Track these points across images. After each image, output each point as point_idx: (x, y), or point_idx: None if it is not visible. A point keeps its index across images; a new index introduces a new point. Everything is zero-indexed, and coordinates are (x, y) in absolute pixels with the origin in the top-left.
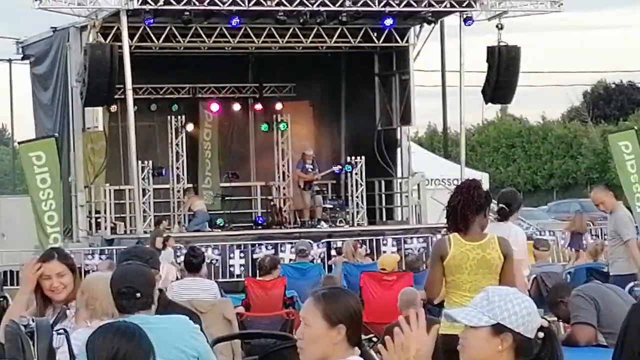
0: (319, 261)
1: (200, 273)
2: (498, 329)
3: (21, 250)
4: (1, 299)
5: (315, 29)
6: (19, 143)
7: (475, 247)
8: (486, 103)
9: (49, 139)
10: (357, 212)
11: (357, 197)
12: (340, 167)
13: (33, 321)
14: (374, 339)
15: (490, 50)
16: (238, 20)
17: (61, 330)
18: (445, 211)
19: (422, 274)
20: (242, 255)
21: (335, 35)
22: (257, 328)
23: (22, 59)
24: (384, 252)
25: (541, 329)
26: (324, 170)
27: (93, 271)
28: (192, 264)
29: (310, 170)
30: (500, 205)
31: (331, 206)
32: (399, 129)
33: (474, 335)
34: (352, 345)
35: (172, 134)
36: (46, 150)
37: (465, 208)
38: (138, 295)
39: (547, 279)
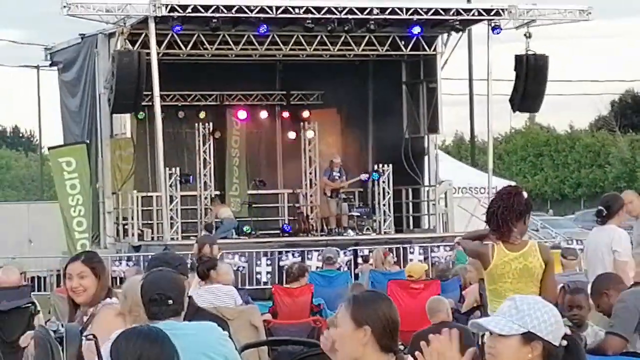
0: (345, 269)
1: (217, 279)
2: (528, 337)
3: (49, 256)
4: (30, 305)
5: (342, 37)
6: (48, 148)
7: (517, 256)
8: (514, 112)
9: (80, 145)
10: (384, 220)
11: (384, 205)
12: (367, 175)
13: (62, 327)
14: (401, 347)
15: (518, 58)
16: (266, 28)
17: (90, 336)
18: (486, 216)
19: (449, 282)
20: (268, 262)
21: (363, 43)
22: (284, 335)
23: (50, 65)
24: (411, 260)
25: (565, 336)
26: (351, 178)
27: (120, 278)
28: (209, 274)
29: (337, 177)
30: (599, 207)
31: (358, 214)
32: (426, 137)
33: (504, 344)
34: (384, 350)
35: (199, 141)
36: (76, 156)
37: (505, 215)
38: (170, 302)
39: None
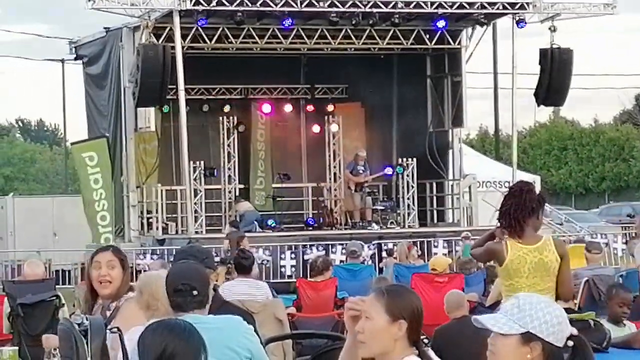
0: (369, 262)
1: (251, 275)
2: (528, 337)
3: (73, 249)
4: (54, 298)
5: (367, 31)
6: (71, 144)
7: (532, 250)
8: (538, 105)
9: (101, 140)
10: (408, 214)
11: (408, 198)
12: (391, 169)
13: (87, 320)
14: (425, 340)
15: (543, 52)
16: (290, 22)
17: (114, 329)
18: (498, 214)
19: (473, 276)
20: (293, 256)
21: (388, 37)
22: (308, 328)
23: (75, 59)
24: (435, 254)
25: (571, 337)
26: (375, 172)
27: (145, 271)
28: (243, 266)
29: (361, 171)
30: None
31: (382, 208)
32: (450, 130)
33: (503, 343)
34: (411, 343)
35: (223, 134)
36: (98, 151)
37: (517, 212)
38: (195, 293)
39: (599, 282)
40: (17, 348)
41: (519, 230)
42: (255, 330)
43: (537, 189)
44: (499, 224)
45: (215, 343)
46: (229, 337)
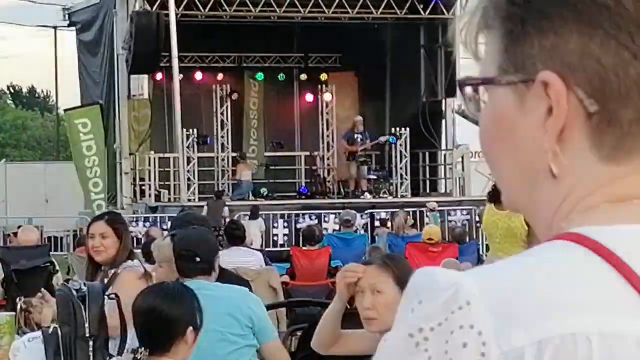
0: (362, 232)
1: (244, 244)
2: None
3: (66, 216)
4: (48, 264)
5: (361, 0)
6: (64, 110)
7: (503, 216)
8: None
9: (94, 106)
10: (401, 184)
11: (401, 168)
12: (386, 137)
13: (85, 285)
14: None
15: None
16: None
17: (112, 295)
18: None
19: (467, 245)
20: (285, 225)
21: (382, 6)
22: (302, 296)
23: (69, 26)
24: (427, 224)
25: None
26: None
27: (137, 238)
28: (236, 236)
29: (359, 140)
30: None
31: (375, 177)
32: (443, 100)
33: None
34: None
35: (217, 102)
36: (91, 118)
37: None
38: (197, 259)
39: None
40: (13, 313)
41: (498, 195)
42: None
43: None
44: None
45: (216, 310)
46: (232, 306)
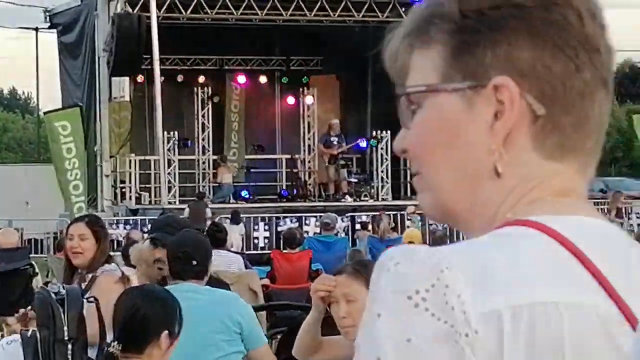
0: (343, 235)
1: (225, 247)
2: None
3: (46, 218)
4: (28, 267)
5: (343, 3)
6: (44, 113)
7: None
8: None
9: (74, 109)
10: (382, 187)
11: (382, 171)
12: (365, 142)
13: (64, 288)
14: None
15: None
16: None
17: (91, 299)
18: None
19: None
20: (266, 227)
21: (364, 9)
22: (282, 300)
23: (50, 27)
24: (408, 227)
25: None
26: (349, 144)
27: (118, 241)
28: (217, 239)
29: (335, 143)
30: None
31: (356, 180)
32: None
33: None
34: None
35: (198, 105)
36: (71, 120)
37: None
38: (194, 262)
39: None
40: None
41: None
42: None
43: None
44: None
45: (205, 314)
46: (221, 311)
